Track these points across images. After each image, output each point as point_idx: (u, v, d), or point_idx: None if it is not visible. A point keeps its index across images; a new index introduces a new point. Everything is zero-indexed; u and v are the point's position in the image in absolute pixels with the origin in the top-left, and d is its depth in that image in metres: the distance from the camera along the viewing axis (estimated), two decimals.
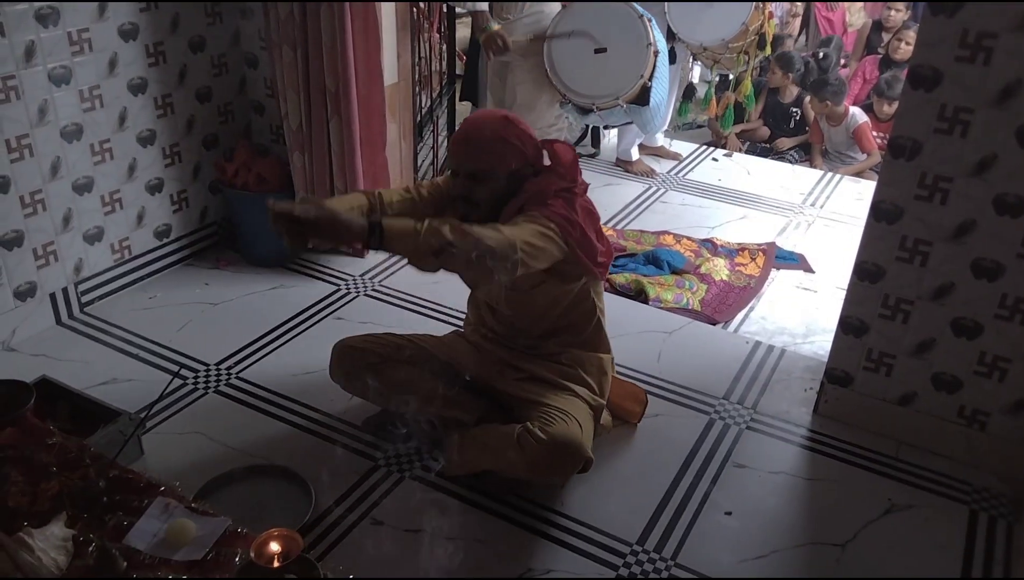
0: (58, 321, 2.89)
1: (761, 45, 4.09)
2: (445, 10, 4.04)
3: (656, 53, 3.48)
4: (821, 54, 5.34)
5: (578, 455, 2.04)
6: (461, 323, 2.62)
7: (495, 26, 3.55)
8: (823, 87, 4.77)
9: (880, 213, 2.27)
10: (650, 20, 3.49)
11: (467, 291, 2.42)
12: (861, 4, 6.53)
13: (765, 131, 5.29)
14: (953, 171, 2.14)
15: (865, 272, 2.36)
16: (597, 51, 3.46)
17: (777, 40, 5.02)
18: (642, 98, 3.53)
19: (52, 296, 2.85)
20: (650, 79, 3.51)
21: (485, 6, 3.55)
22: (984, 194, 2.12)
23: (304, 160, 3.13)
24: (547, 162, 2.14)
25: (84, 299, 2.96)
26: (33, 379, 2.25)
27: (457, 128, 2.14)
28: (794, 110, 5.19)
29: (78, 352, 2.74)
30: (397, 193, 2.18)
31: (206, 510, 1.52)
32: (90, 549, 1.38)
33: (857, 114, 4.79)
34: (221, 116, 3.31)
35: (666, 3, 4.06)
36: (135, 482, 1.56)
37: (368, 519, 2.12)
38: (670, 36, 4.22)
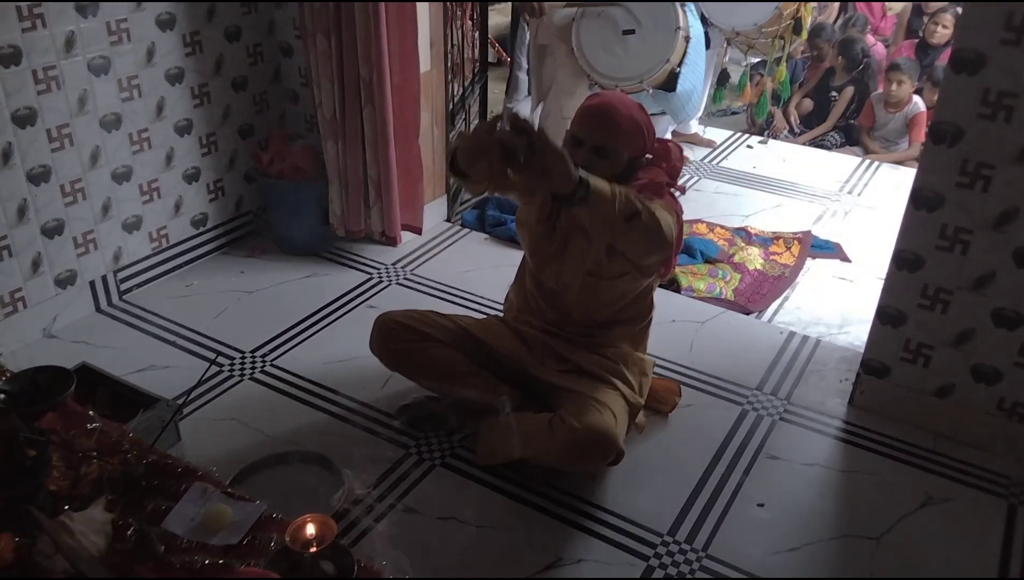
0: (97, 308, 2.94)
1: (797, 30, 4.03)
2: None
3: (687, 39, 3.42)
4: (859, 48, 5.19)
5: (611, 445, 2.03)
6: (493, 311, 2.62)
7: None
8: (901, 67, 4.63)
9: (920, 201, 2.23)
10: (684, 4, 3.43)
11: (499, 278, 2.42)
12: None
13: (808, 103, 5.20)
14: (996, 158, 2.09)
15: (904, 261, 2.32)
16: (625, 32, 3.40)
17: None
18: (669, 84, 3.47)
19: (92, 284, 2.91)
20: (679, 65, 3.44)
21: None
22: None
23: (338, 149, 3.15)
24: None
25: (123, 287, 3.01)
26: (73, 365, 2.29)
27: (587, 100, 2.14)
28: (833, 94, 5.11)
29: (117, 339, 2.80)
30: None
31: (242, 495, 1.54)
32: (129, 533, 1.41)
33: (919, 102, 4.66)
34: (256, 105, 3.33)
35: None
36: (173, 467, 1.58)
37: (400, 506, 2.13)
38: (704, 20, 4.17)
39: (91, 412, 1.72)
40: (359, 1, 2.85)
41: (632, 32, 3.39)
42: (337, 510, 2.06)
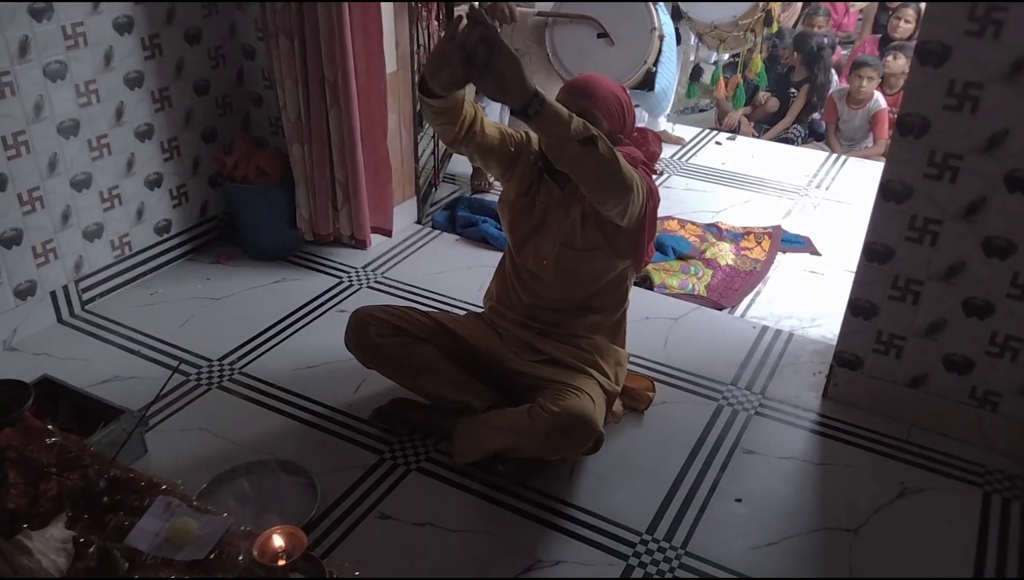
0: (59, 319, 2.87)
1: (768, 22, 4.06)
2: None
3: (662, 38, 3.41)
4: (826, 40, 5.24)
5: (590, 428, 2.00)
6: (465, 313, 2.59)
7: None
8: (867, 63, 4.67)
9: (889, 192, 2.24)
10: (655, 2, 3.43)
11: (471, 280, 2.40)
12: None
13: (775, 103, 5.22)
14: (963, 148, 2.10)
15: (874, 253, 2.32)
16: (600, 36, 3.40)
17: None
18: (646, 83, 3.48)
19: (52, 294, 2.83)
20: (655, 64, 3.44)
21: None
22: (995, 171, 2.09)
23: (304, 151, 3.10)
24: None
25: (85, 297, 2.94)
26: (34, 378, 2.23)
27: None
28: (792, 91, 5.14)
29: (80, 350, 2.73)
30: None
31: (208, 508, 1.50)
32: (91, 550, 1.36)
33: (880, 99, 4.69)
34: (219, 109, 3.27)
35: None
36: (136, 481, 1.54)
37: (375, 513, 2.10)
38: (675, 16, 4.18)
39: (50, 426, 1.67)
40: (322, 0, 2.80)
41: (606, 35, 3.38)
42: (310, 519, 2.02)
